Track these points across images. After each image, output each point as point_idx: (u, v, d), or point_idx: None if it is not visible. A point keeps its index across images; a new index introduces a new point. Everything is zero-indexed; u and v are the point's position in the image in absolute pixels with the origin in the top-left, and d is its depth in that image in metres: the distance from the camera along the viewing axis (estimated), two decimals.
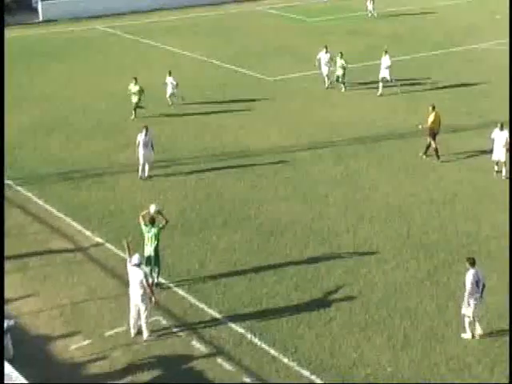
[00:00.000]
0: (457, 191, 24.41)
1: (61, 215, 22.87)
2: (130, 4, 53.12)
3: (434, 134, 26.54)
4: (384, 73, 33.64)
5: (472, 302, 16.66)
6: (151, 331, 17.05)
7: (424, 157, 26.81)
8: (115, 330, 17.24)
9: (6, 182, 25.00)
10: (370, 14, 51.01)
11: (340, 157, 27.15)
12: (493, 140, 25.42)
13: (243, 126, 29.94)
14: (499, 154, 25.18)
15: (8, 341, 15.54)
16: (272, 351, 16.53)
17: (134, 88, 30.55)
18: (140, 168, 25.24)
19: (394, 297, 18.52)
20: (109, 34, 47.24)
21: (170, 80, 32.70)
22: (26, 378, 14.02)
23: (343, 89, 34.17)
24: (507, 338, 16.78)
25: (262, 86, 35.44)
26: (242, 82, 36.16)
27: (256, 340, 16.89)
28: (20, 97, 33.95)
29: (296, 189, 24.63)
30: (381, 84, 33.70)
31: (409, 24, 48.53)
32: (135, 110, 30.77)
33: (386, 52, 34.00)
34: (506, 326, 17.20)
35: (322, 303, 18.26)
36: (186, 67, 38.98)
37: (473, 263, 16.74)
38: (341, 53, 34.04)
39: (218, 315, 17.83)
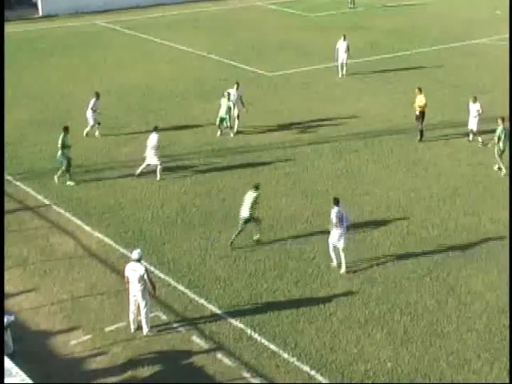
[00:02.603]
0: (457, 186, 24.40)
1: (60, 210, 22.87)
2: None
3: (423, 116, 28.03)
4: (341, 57, 35.62)
5: (337, 234, 19.22)
6: (151, 326, 17.05)
7: (417, 141, 28.00)
8: (115, 326, 17.24)
9: (6, 177, 25.00)
10: (351, 7, 51.36)
11: (340, 152, 27.13)
12: (468, 111, 27.72)
13: (243, 122, 29.88)
14: (472, 124, 27.64)
15: (8, 336, 15.53)
16: (272, 346, 16.54)
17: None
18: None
19: (394, 292, 18.52)
20: (109, 30, 47.21)
21: (94, 104, 28.21)
22: (26, 373, 14.00)
23: (231, 134, 28.67)
24: (507, 333, 16.81)
25: (262, 81, 35.40)
26: (242, 77, 36.04)
27: (256, 335, 16.90)
28: (19, 92, 33.94)
29: (296, 184, 24.62)
30: (339, 68, 35.82)
31: (409, 18, 48.49)
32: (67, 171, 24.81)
33: (344, 37, 35.74)
34: (506, 322, 17.22)
35: (322, 298, 18.26)
36: (185, 62, 39.00)
37: (337, 203, 19.32)
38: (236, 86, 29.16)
39: (218, 310, 17.83)
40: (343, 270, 19.34)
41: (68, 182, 24.54)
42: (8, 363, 14.13)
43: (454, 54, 40.02)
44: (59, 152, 24.39)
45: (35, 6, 51.34)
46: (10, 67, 36.51)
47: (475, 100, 27.53)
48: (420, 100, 28.00)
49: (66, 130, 24.62)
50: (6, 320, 15.09)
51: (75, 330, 17.16)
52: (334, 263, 19.60)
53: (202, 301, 18.20)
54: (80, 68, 37.99)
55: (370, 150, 27.40)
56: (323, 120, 30.33)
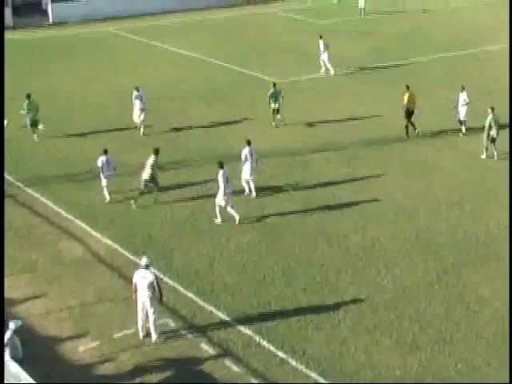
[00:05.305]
0: (465, 192, 24.33)
1: (69, 216, 22.90)
2: (140, 6, 53.36)
3: (409, 113, 28.67)
4: (324, 57, 37.34)
5: (224, 194, 21.95)
6: (160, 333, 17.04)
7: (417, 132, 28.86)
8: (124, 332, 17.24)
9: (16, 183, 25.09)
10: (362, 12, 51.53)
11: (348, 158, 27.11)
12: (458, 101, 28.95)
13: (251, 128, 29.93)
14: (460, 113, 28.85)
15: (17, 341, 15.53)
16: (280, 354, 16.51)
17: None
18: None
19: (403, 299, 18.47)
20: (117, 36, 47.40)
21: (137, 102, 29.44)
22: (35, 378, 14.03)
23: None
24: None
25: (268, 87, 35.25)
26: (250, 83, 36.16)
27: (264, 342, 16.87)
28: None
29: (304, 190, 24.61)
30: (322, 65, 37.56)
31: (418, 24, 48.47)
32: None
33: (321, 37, 37.59)
34: None
35: (330, 305, 18.23)
36: (192, 69, 39.11)
37: (221, 166, 22.13)
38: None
39: (226, 317, 17.81)
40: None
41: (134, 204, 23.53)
42: (16, 368, 14.18)
43: (461, 60, 39.93)
44: (148, 174, 23.19)
45: (46, 13, 51.69)
46: (19, 72, 36.78)
47: (463, 89, 28.79)
48: (404, 98, 28.79)
49: (157, 152, 23.44)
50: (14, 325, 15.11)
51: (83, 336, 17.17)
52: (219, 220, 22.28)
53: (210, 308, 18.18)
54: (88, 73, 38.06)
55: (376, 154, 27.37)
56: (331, 126, 30.34)
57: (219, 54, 41.51)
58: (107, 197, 24.02)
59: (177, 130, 30.22)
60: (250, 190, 24.16)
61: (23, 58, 40.97)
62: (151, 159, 23.37)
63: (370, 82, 36.02)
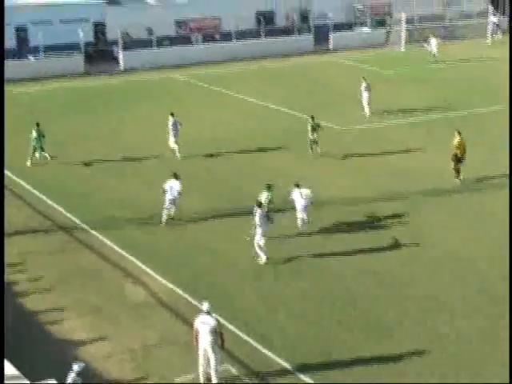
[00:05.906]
0: None
1: (134, 259, 23.22)
2: (206, 54, 54.73)
3: (456, 158, 28.38)
4: (364, 96, 38.52)
5: (261, 233, 22.21)
6: (220, 379, 17.06)
7: (457, 181, 28.60)
8: (185, 376, 17.32)
9: (83, 226, 25.63)
10: (433, 58, 51.53)
11: (404, 205, 26.86)
12: None
13: (309, 174, 29.98)
14: None
15: (79, 381, 15.74)
16: None
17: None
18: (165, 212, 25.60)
19: (466, 352, 18.15)
20: (185, 83, 48.46)
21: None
22: None
23: None
24: None
25: (332, 135, 35.41)
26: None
27: None
28: (98, 141, 35.01)
29: (364, 238, 24.44)
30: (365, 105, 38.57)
31: (486, 74, 48.23)
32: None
33: (364, 78, 38.90)
34: None
35: (391, 356, 18.01)
36: (256, 114, 39.71)
37: (259, 206, 22.39)
38: None
39: (288, 366, 17.73)
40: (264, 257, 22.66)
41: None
42: None
43: None
44: (264, 209, 23.09)
45: (117, 60, 53.34)
46: (87, 117, 37.82)
47: None
48: (453, 143, 28.68)
49: (269, 188, 24.41)
50: (77, 367, 15.35)
51: (145, 379, 17.30)
52: (263, 258, 22.57)
53: (271, 355, 18.14)
54: (155, 118, 38.74)
55: (439, 205, 27.00)
56: (393, 174, 30.21)
57: (285, 101, 41.98)
58: (164, 217, 25.37)
59: (239, 174, 30.56)
60: (303, 222, 24.62)
61: (92, 104, 42.19)
62: (265, 195, 24.09)
63: (428, 131, 35.88)
